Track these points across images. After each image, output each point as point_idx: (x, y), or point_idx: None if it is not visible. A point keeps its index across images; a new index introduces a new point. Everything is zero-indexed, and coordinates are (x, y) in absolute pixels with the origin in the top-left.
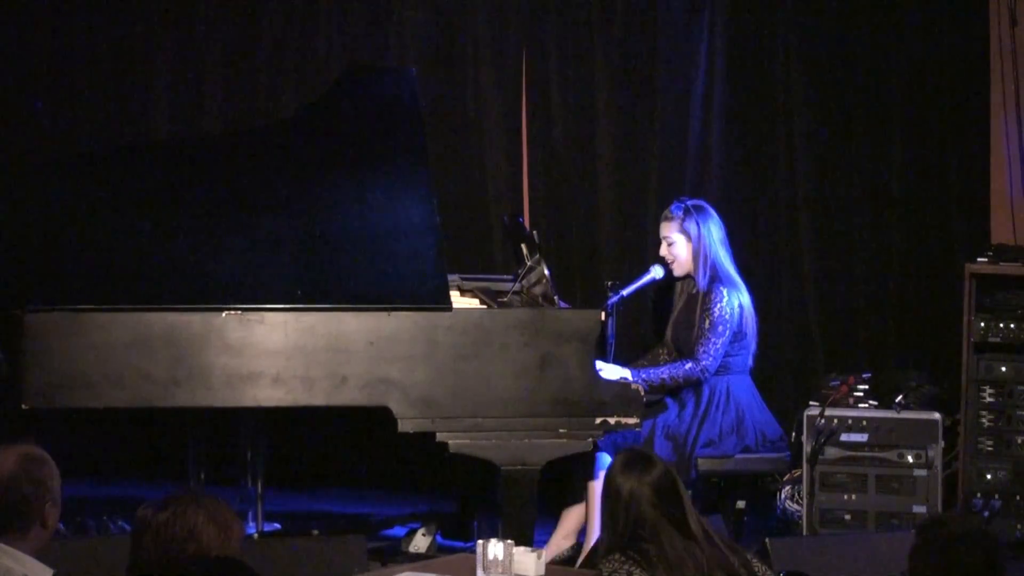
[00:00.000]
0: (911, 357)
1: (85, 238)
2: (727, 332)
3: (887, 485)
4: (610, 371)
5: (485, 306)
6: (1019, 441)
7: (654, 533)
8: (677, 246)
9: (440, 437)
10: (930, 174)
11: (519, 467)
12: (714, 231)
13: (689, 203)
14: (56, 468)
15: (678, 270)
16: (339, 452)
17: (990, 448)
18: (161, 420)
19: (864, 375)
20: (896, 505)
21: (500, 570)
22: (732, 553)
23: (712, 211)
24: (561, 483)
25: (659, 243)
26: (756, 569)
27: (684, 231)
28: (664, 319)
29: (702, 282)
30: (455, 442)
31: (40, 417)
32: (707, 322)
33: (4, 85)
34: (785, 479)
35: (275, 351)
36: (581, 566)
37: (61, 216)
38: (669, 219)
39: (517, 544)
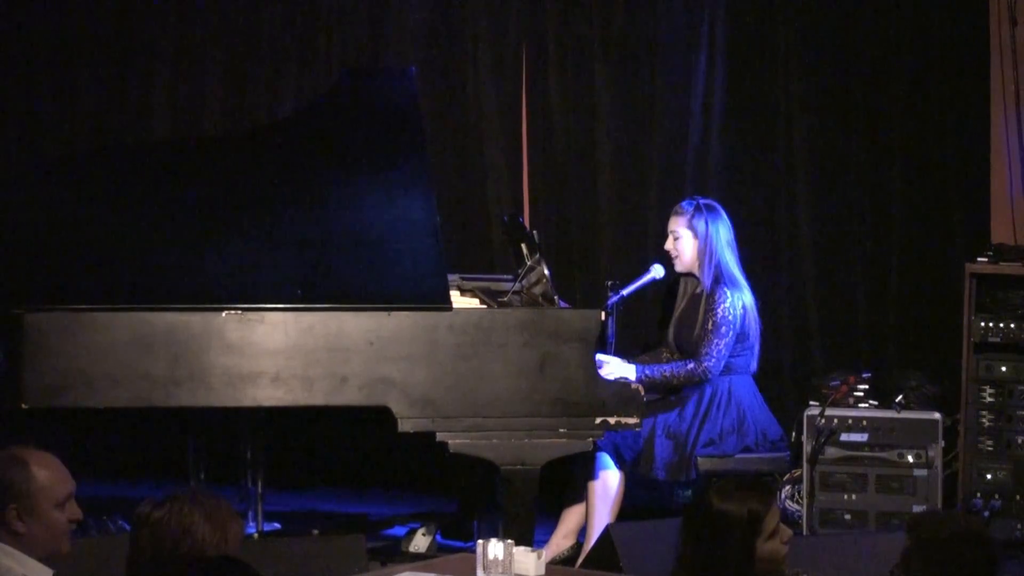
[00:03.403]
0: (911, 357)
1: (85, 238)
2: (730, 333)
3: (887, 485)
4: (615, 365)
5: (485, 306)
6: (1019, 441)
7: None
8: (683, 241)
9: (440, 437)
10: (930, 174)
11: (519, 467)
12: (722, 232)
13: (701, 201)
14: (45, 478)
15: (679, 266)
16: (339, 452)
17: (990, 448)
18: (161, 420)
19: (864, 375)
20: (896, 505)
21: (500, 570)
22: None
23: (723, 212)
24: (561, 483)
25: (660, 242)
26: None
27: (692, 227)
28: (667, 318)
29: (706, 281)
30: (455, 442)
31: (40, 417)
32: (710, 323)
33: (4, 85)
34: (785, 479)
35: (275, 351)
36: (581, 566)
37: (61, 216)
38: (679, 213)
39: (517, 544)
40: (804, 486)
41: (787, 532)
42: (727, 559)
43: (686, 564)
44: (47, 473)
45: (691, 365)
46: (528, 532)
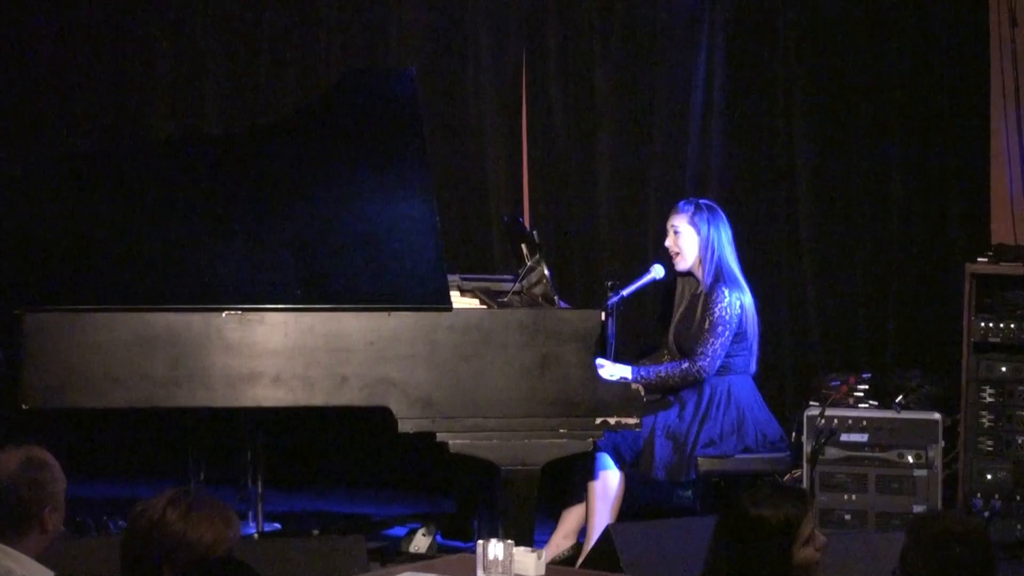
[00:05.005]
0: (911, 357)
1: (85, 238)
2: (727, 333)
3: (887, 485)
4: (609, 368)
5: (485, 306)
6: (1019, 441)
7: None
8: (684, 237)
9: (440, 437)
10: (930, 174)
11: (519, 467)
12: (723, 231)
13: (701, 201)
14: (60, 472)
15: (680, 263)
16: (339, 452)
17: (990, 448)
18: (161, 420)
19: (864, 375)
20: (896, 505)
21: (500, 570)
22: None
23: (722, 213)
24: (561, 483)
25: (660, 241)
26: None
27: (693, 224)
28: (667, 320)
29: (706, 280)
30: (455, 442)
31: (40, 417)
32: (707, 322)
33: (4, 85)
34: (785, 479)
35: (275, 351)
36: (581, 566)
37: (61, 216)
38: (680, 211)
39: (517, 544)
40: (804, 486)
41: (821, 538)
42: (762, 566)
43: (718, 571)
44: (59, 467)
45: (685, 365)
46: (528, 532)
